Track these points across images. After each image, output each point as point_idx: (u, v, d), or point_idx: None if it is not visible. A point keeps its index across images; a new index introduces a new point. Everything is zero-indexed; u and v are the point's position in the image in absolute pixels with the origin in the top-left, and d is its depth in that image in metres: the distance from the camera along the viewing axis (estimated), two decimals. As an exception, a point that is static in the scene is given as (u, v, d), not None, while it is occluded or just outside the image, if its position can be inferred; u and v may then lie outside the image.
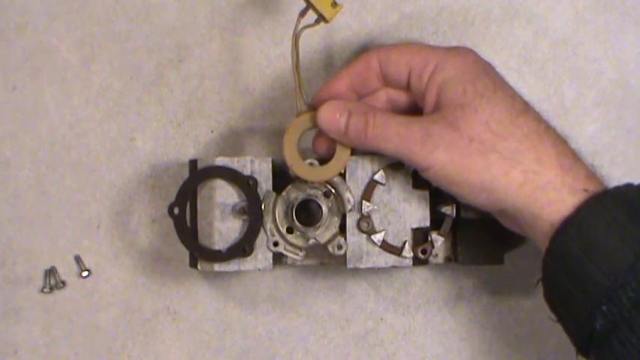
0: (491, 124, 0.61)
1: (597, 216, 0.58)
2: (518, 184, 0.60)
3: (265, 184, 0.68)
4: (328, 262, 0.70)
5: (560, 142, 0.62)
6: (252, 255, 0.67)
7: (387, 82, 0.66)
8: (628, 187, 0.60)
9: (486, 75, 0.63)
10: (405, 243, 0.68)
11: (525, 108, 0.63)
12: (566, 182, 0.60)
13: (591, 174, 0.61)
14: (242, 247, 0.67)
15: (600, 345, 0.58)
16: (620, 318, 0.57)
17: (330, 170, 0.66)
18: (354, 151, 0.66)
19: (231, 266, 0.68)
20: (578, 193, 0.60)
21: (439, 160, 0.61)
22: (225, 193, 0.68)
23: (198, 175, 0.68)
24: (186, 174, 0.69)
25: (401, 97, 0.66)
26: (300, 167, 0.66)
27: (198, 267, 0.68)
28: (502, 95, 0.62)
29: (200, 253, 0.68)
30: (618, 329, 0.57)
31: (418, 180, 0.67)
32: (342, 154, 0.66)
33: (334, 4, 0.64)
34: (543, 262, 0.61)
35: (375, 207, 0.68)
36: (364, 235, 0.68)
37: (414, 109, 0.66)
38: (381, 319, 0.75)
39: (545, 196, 0.60)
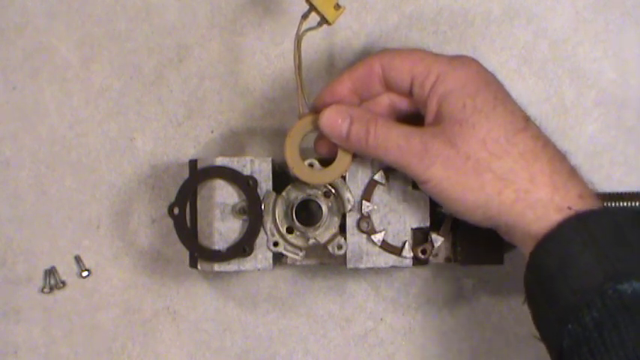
0: (487, 142, 0.61)
1: (575, 233, 0.58)
2: (511, 202, 0.60)
3: (265, 184, 0.68)
4: (328, 262, 0.70)
5: (557, 159, 0.62)
6: (252, 255, 0.67)
7: (390, 87, 0.65)
8: (618, 210, 0.60)
9: (487, 89, 0.63)
10: (405, 243, 0.68)
11: (524, 125, 0.62)
12: (555, 200, 0.60)
13: (585, 192, 0.61)
14: (242, 247, 0.67)
15: None
16: (582, 338, 0.56)
17: (331, 173, 0.66)
18: (355, 155, 0.66)
19: (231, 266, 0.68)
20: (564, 211, 0.59)
21: (436, 176, 0.61)
22: (225, 193, 0.68)
23: (198, 175, 0.68)
24: (186, 174, 0.69)
25: (403, 103, 0.66)
26: (301, 170, 0.66)
27: (198, 267, 0.68)
28: (501, 111, 0.62)
29: (200, 253, 0.68)
30: (580, 350, 0.56)
31: (418, 180, 0.67)
32: (343, 158, 0.66)
33: (337, 7, 0.64)
34: (524, 277, 0.61)
35: (375, 207, 0.68)
36: (364, 235, 0.68)
37: (417, 115, 0.65)
38: (381, 319, 0.75)
39: (533, 214, 0.60)
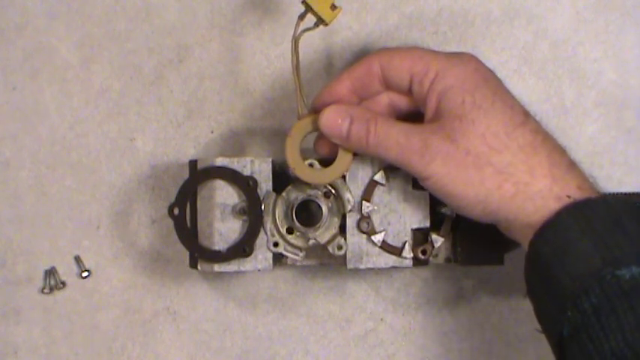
0: (487, 136, 0.61)
1: (573, 221, 0.58)
2: (510, 195, 0.60)
3: (265, 184, 0.68)
4: (328, 263, 0.70)
5: (556, 152, 0.62)
6: (252, 255, 0.67)
7: (389, 86, 0.65)
8: (616, 198, 0.60)
9: (486, 85, 0.63)
10: (405, 243, 0.68)
11: (523, 120, 0.62)
12: (554, 191, 0.60)
13: (584, 184, 0.61)
14: (242, 248, 0.67)
15: (568, 354, 0.57)
16: (581, 324, 0.56)
17: (332, 173, 0.66)
18: (356, 154, 0.66)
19: (231, 267, 0.68)
20: (562, 200, 0.60)
21: (437, 172, 0.61)
22: (225, 194, 0.68)
23: (199, 175, 0.68)
24: (186, 174, 0.69)
25: (402, 102, 0.66)
26: (302, 170, 0.66)
27: (198, 267, 0.68)
28: (500, 107, 0.62)
29: (200, 254, 0.68)
30: (579, 336, 0.56)
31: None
32: (344, 157, 0.66)
33: (333, 7, 0.64)
34: (524, 268, 0.61)
35: (375, 207, 0.68)
36: (364, 236, 0.68)
37: (416, 113, 0.66)
38: (381, 319, 0.75)
39: (532, 205, 0.60)
